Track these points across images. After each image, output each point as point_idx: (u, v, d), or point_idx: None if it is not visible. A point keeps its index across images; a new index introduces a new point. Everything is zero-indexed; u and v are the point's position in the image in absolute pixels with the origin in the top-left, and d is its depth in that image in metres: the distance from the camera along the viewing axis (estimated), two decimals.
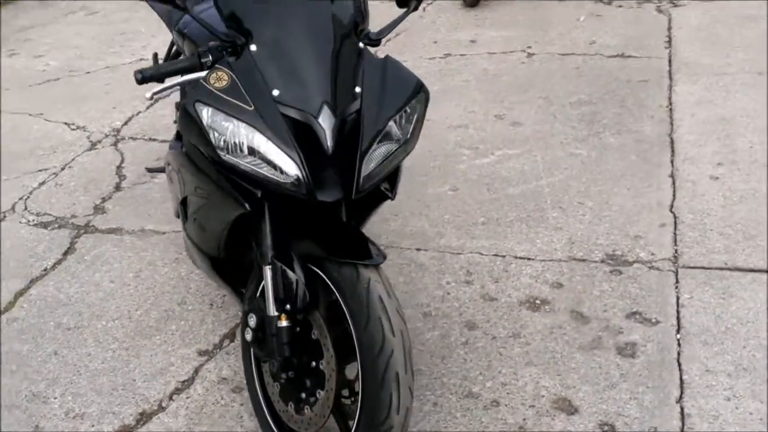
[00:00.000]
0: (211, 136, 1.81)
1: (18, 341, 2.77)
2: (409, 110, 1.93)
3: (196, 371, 2.55)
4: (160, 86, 1.89)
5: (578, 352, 2.50)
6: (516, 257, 2.98)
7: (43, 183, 3.87)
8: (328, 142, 1.78)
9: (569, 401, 2.31)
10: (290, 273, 1.94)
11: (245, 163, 1.81)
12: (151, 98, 1.91)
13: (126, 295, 2.96)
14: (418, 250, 3.07)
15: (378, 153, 1.88)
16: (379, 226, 3.20)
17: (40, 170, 3.99)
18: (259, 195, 1.91)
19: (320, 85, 1.83)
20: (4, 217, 3.59)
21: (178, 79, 1.95)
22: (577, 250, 2.98)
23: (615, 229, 3.08)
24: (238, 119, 1.79)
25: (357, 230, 2.04)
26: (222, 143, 1.81)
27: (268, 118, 1.79)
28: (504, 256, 2.99)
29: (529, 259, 2.96)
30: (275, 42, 1.87)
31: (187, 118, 1.85)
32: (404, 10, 2.15)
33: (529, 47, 4.99)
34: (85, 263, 3.19)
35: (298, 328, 1.98)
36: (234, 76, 1.82)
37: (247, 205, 1.90)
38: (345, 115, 1.84)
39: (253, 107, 1.78)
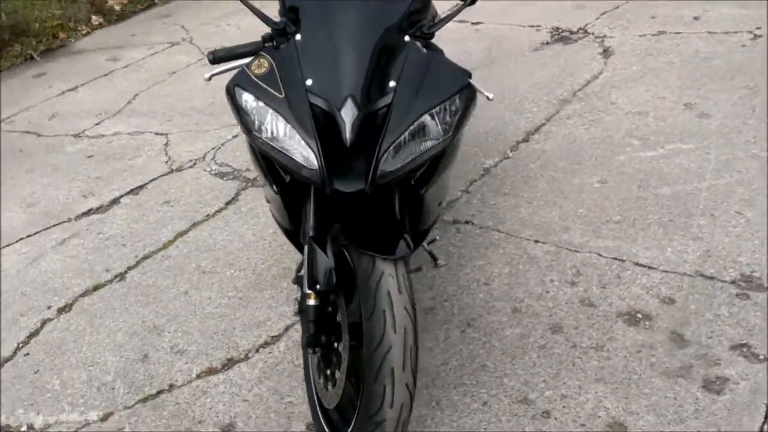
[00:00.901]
0: (247, 119, 1.93)
1: (162, 276, 3.14)
2: (449, 106, 1.90)
3: (287, 329, 2.73)
4: (218, 68, 2.04)
5: (659, 377, 2.30)
6: (636, 264, 2.77)
7: (235, 136, 4.26)
8: (348, 134, 1.82)
9: (625, 428, 2.16)
10: (322, 254, 2.01)
11: (272, 147, 1.91)
12: (209, 79, 2.06)
13: (259, 248, 3.22)
14: (536, 242, 2.97)
15: (408, 148, 1.88)
16: (508, 213, 3.14)
17: (235, 124, 4.40)
18: (288, 180, 1.99)
19: (351, 77, 1.86)
20: (194, 164, 4.03)
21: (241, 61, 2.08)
22: (710, 265, 2.70)
23: (765, 248, 2.74)
24: (268, 105, 1.88)
25: (390, 222, 2.05)
26: (255, 127, 1.92)
27: (296, 106, 1.86)
28: (623, 261, 2.79)
29: (650, 267, 2.74)
30: (319, 32, 1.94)
31: (229, 100, 1.99)
32: (462, 2, 2.08)
33: (758, 28, 4.45)
34: (239, 214, 3.50)
35: (329, 308, 2.06)
36: (274, 64, 1.92)
37: (274, 187, 2.00)
38: (372, 108, 1.86)
39: (283, 95, 1.87)
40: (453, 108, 1.91)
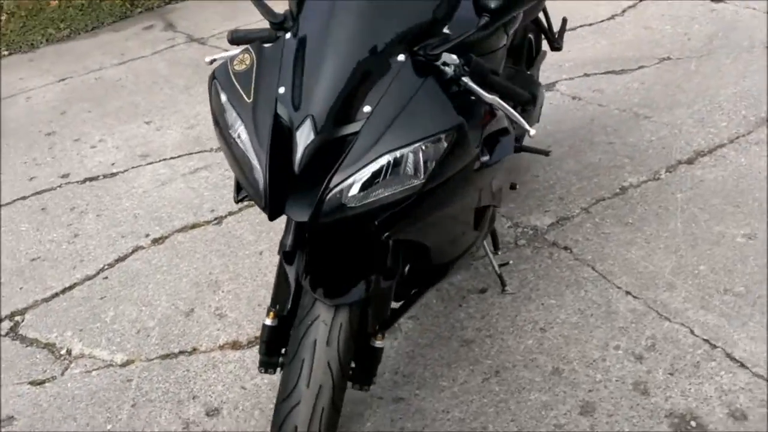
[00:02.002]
0: (216, 117, 1.77)
1: (252, 230, 3.14)
2: (426, 148, 1.59)
3: None
4: (223, 53, 1.88)
5: None
6: (728, 355, 2.26)
7: None
8: (297, 159, 1.59)
9: None
10: (289, 274, 1.85)
11: (229, 154, 1.74)
12: (210, 63, 1.92)
13: None
14: (627, 293, 2.53)
15: (366, 186, 1.61)
16: (616, 249, 2.71)
17: None
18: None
19: (321, 94, 1.61)
20: None
21: None
22: None
23: None
24: (233, 108, 1.71)
25: (343, 261, 1.80)
26: (221, 127, 1.76)
27: (259, 115, 1.66)
28: (715, 347, 2.29)
29: (742, 365, 2.22)
30: (311, 35, 1.70)
31: (209, 91, 1.83)
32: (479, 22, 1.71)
33: None
34: None
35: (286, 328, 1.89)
36: (255, 62, 1.72)
37: (235, 194, 1.84)
38: (335, 134, 1.60)
39: (251, 99, 1.67)
40: (431, 151, 1.59)
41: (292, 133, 1.62)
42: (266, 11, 1.84)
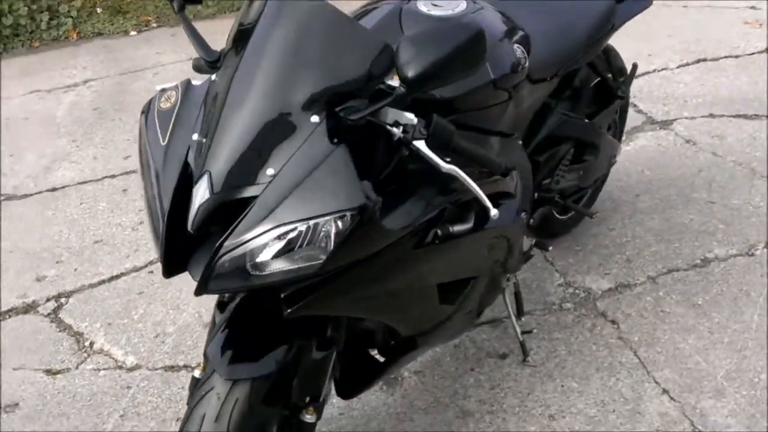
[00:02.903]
0: (140, 152, 1.65)
1: None
2: (324, 226, 1.40)
3: None
4: (169, 85, 1.74)
5: None
6: None
7: None
8: (191, 217, 1.44)
9: None
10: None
11: (145, 199, 1.61)
12: (161, 92, 1.76)
13: None
14: (664, 392, 2.20)
15: (260, 259, 1.44)
16: (669, 335, 2.38)
17: None
18: None
19: (222, 151, 1.44)
20: None
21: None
22: None
23: None
24: (148, 149, 1.58)
25: (268, 329, 1.63)
26: (141, 163, 1.64)
27: (168, 162, 1.51)
28: None
29: None
30: (231, 80, 1.53)
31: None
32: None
33: None
34: None
35: None
36: (179, 101, 1.59)
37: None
38: (232, 195, 1.44)
39: (165, 143, 1.55)
40: (332, 228, 1.39)
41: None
42: (200, 46, 1.67)
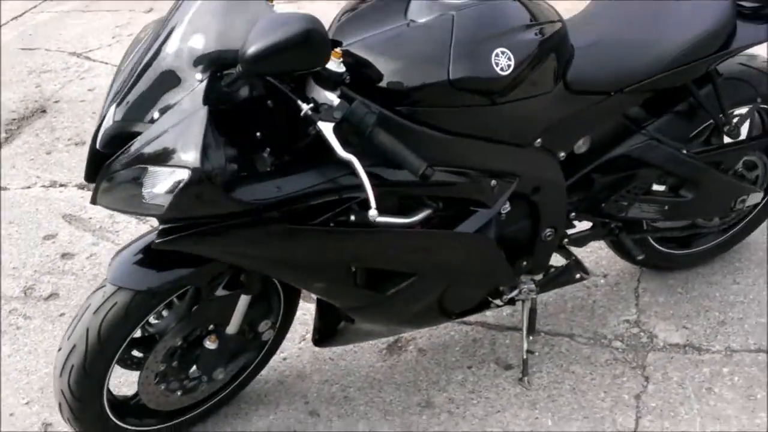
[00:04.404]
0: None
1: None
2: (161, 177, 1.52)
3: None
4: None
5: None
6: None
7: None
8: (99, 136, 1.61)
9: None
10: None
11: None
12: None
13: None
14: None
15: (126, 189, 1.59)
16: (695, 423, 2.06)
17: None
18: None
19: (131, 85, 1.60)
20: None
21: None
22: None
23: None
24: (118, 67, 1.75)
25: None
26: None
27: (113, 86, 1.67)
28: None
29: None
30: (159, 30, 1.66)
31: None
32: None
33: None
34: None
35: None
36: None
37: None
38: (128, 127, 1.58)
39: (123, 66, 1.73)
40: (172, 182, 1.50)
41: None
42: None
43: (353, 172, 1.53)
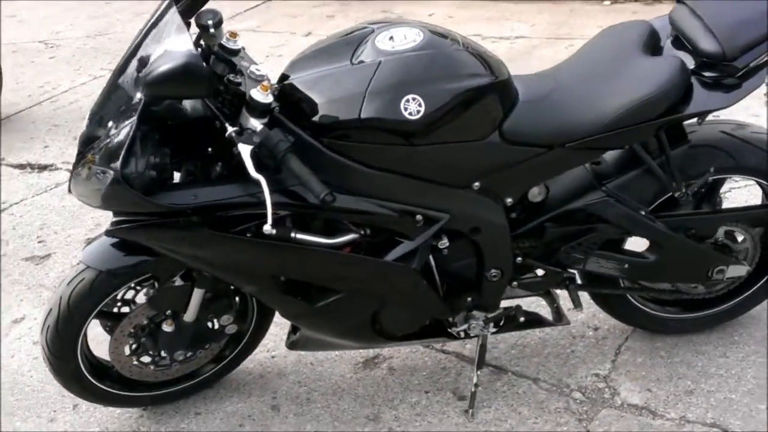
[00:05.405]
0: None
1: None
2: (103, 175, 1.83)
3: None
4: None
5: None
6: None
7: None
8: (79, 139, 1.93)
9: None
10: None
11: None
12: None
13: None
14: None
15: (89, 184, 1.88)
16: None
17: None
18: None
19: (102, 98, 1.91)
20: None
21: None
22: None
23: None
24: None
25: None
26: None
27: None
28: None
29: None
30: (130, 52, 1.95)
31: None
32: None
33: None
34: None
35: None
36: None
37: None
38: (95, 132, 1.89)
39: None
40: (100, 180, 1.79)
41: None
42: None
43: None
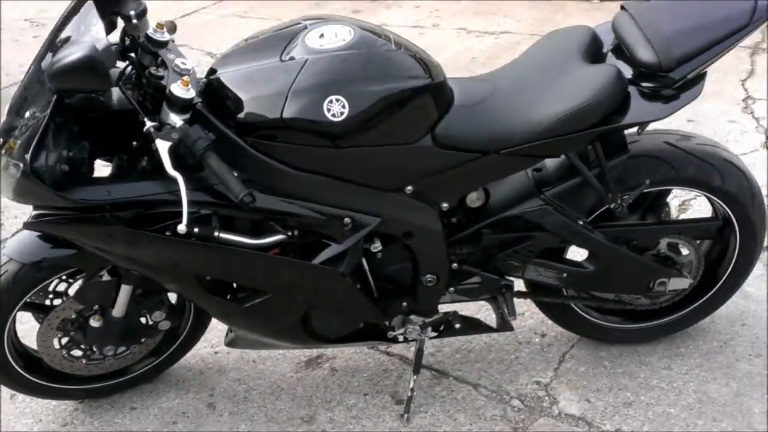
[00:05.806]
0: None
1: None
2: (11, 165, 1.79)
3: None
4: None
5: None
6: None
7: None
8: None
9: None
10: None
11: None
12: None
13: None
14: None
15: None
16: None
17: None
18: None
19: (23, 87, 1.86)
20: None
21: None
22: None
23: None
24: None
25: None
26: None
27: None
28: None
29: None
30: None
31: None
32: None
33: None
34: None
35: None
36: None
37: None
38: (14, 123, 1.83)
39: None
40: (13, 173, 1.75)
41: None
42: None
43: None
